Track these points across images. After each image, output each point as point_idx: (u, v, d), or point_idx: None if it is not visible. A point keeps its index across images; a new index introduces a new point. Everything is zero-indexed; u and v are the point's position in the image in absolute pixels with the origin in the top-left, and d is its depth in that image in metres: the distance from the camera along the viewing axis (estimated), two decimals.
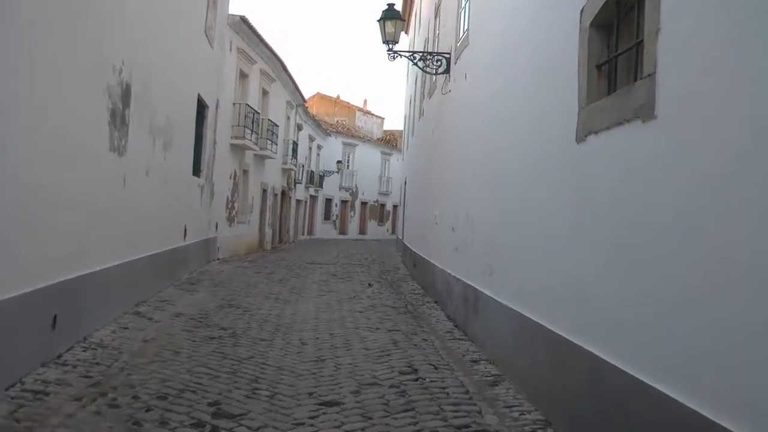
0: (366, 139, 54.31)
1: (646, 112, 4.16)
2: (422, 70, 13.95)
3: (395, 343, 8.63)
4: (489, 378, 7.03)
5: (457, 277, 10.73)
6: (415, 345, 8.56)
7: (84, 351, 7.11)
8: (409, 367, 7.28)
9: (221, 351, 7.63)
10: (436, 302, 12.88)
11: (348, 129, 53.04)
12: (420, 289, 15.42)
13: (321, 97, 56.24)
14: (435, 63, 13.37)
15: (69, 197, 6.99)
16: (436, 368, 7.27)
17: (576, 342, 5.10)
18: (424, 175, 17.81)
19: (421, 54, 13.92)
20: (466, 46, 11.48)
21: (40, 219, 6.27)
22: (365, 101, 64.75)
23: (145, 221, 10.58)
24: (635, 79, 4.58)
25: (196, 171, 16.09)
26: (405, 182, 28.59)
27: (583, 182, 5.25)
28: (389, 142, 57.94)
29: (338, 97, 59.48)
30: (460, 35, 12.34)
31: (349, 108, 58.56)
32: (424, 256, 16.03)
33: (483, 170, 9.31)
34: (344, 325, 9.88)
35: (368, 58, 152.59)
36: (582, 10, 5.43)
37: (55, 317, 6.60)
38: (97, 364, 6.69)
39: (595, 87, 5.25)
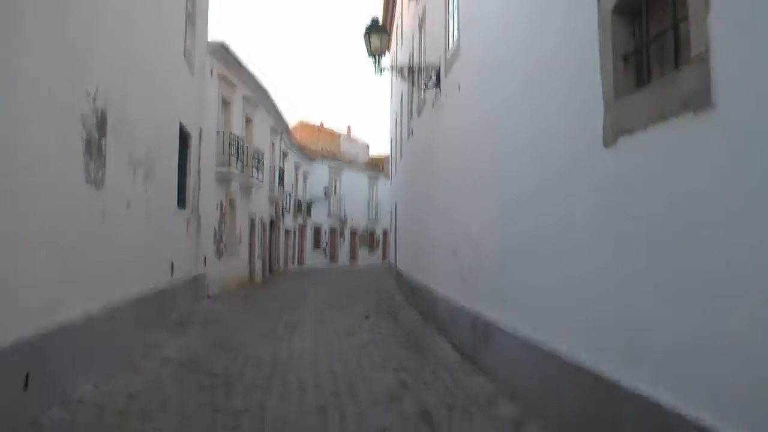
0: (352, 163, 53.71)
1: (699, 101, 3.54)
2: (411, 84, 13.34)
3: (403, 384, 7.92)
4: (511, 419, 6.32)
5: (462, 304, 10.06)
6: (425, 383, 7.87)
7: (62, 411, 6.38)
8: (423, 412, 6.57)
9: (213, 403, 6.92)
10: (438, 330, 12.18)
11: (333, 153, 52.48)
12: (419, 317, 14.72)
13: (304, 126, 55.63)
14: (425, 77, 12.78)
15: (39, 236, 6.29)
16: (451, 410, 6.57)
17: (624, 384, 4.40)
18: (417, 198, 17.16)
19: (408, 68, 13.32)
20: (457, 56, 10.90)
21: (3, 264, 5.56)
22: (349, 128, 64.23)
23: (128, 259, 9.86)
24: (676, 66, 3.96)
25: (181, 203, 15.39)
26: (395, 207, 27.95)
27: (617, 193, 4.60)
28: (376, 166, 57.42)
29: (321, 124, 58.96)
30: (450, 45, 11.77)
31: (333, 135, 58.03)
32: (422, 282, 15.34)
33: (486, 187, 8.67)
34: (346, 364, 9.18)
35: (349, 85, 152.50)
36: None
37: (27, 376, 5.87)
38: (76, 425, 5.96)
39: (623, 80, 4.62)
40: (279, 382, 7.93)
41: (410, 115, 19.08)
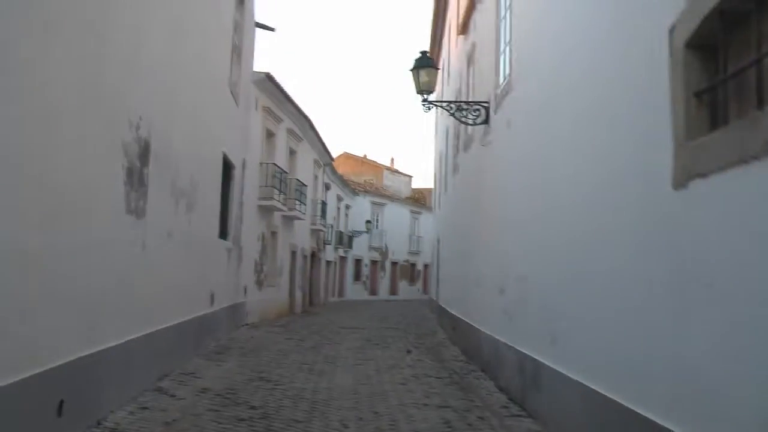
0: (394, 198, 53.74)
1: None
2: (459, 120, 13.17)
3: (448, 423, 7.62)
4: None
5: (509, 344, 9.75)
6: (470, 425, 7.56)
7: None
8: None
9: None
10: (483, 371, 11.85)
11: (376, 188, 52.53)
12: (462, 356, 14.39)
13: (347, 157, 55.83)
14: (473, 113, 12.58)
15: (79, 264, 6.19)
16: None
17: None
18: (461, 234, 16.90)
19: (457, 104, 13.14)
20: (508, 92, 10.68)
21: (43, 290, 5.45)
22: (392, 159, 64.38)
23: (169, 288, 9.77)
24: (759, 105, 3.69)
25: (223, 234, 15.34)
26: (438, 241, 27.70)
27: (685, 239, 4.28)
28: (418, 200, 57.42)
29: (365, 156, 59.13)
30: (500, 81, 11.57)
31: (376, 167, 58.13)
32: (465, 320, 15.03)
33: (536, 225, 8.39)
34: (387, 401, 8.91)
35: (394, 116, 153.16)
36: (672, 29, 4.54)
37: (61, 402, 5.73)
38: None
39: (695, 120, 4.32)
40: (320, 419, 7.68)
41: (456, 151, 18.89)
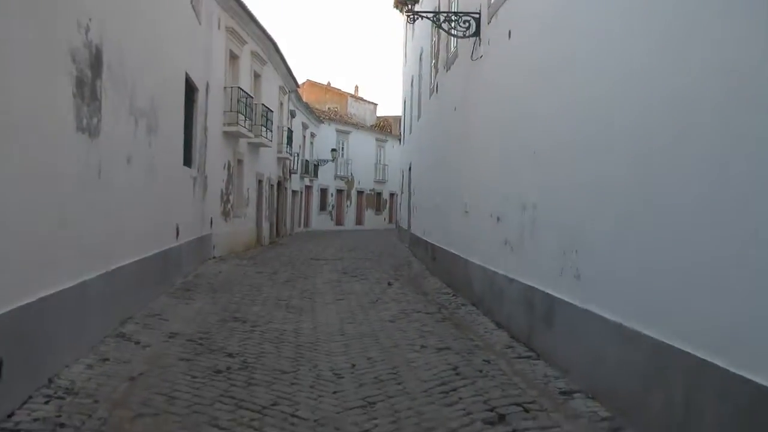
0: (360, 126, 52.51)
1: None
2: (447, 32, 11.99)
3: (455, 369, 6.70)
4: (602, 423, 5.13)
5: (511, 277, 8.84)
6: (480, 371, 6.65)
7: (46, 403, 5.18)
8: (491, 411, 5.36)
9: (232, 394, 5.70)
10: (474, 305, 10.98)
11: (341, 116, 51.27)
12: (446, 288, 13.52)
13: (311, 84, 54.15)
14: (462, 24, 11.42)
15: (18, 193, 5.05)
16: (526, 410, 5.37)
17: None
18: (441, 159, 15.86)
19: (445, 14, 11.95)
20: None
21: None
22: (356, 87, 62.90)
23: (129, 220, 8.65)
24: None
25: (187, 161, 14.14)
26: (409, 168, 26.66)
27: None
28: (383, 128, 56.27)
29: (329, 83, 57.68)
30: None
31: (341, 95, 56.73)
32: (448, 249, 14.10)
33: (554, 145, 7.38)
34: (380, 342, 7.98)
35: (358, 43, 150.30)
36: None
37: (0, 362, 4.67)
38: (63, 425, 4.77)
39: None
40: (308, 366, 6.71)
41: (435, 71, 17.69)
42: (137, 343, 7.38)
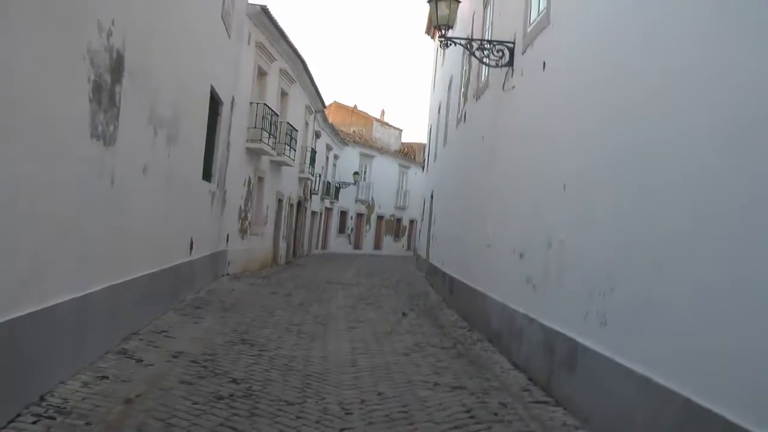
0: (384, 151, 52.30)
1: None
2: (480, 61, 11.72)
3: (469, 412, 6.33)
4: None
5: (531, 317, 8.47)
6: (495, 415, 6.28)
7: (35, 422, 4.87)
8: None
9: (233, 424, 5.35)
10: (490, 341, 10.61)
11: (366, 139, 51.06)
12: (462, 321, 13.16)
13: (338, 106, 54.06)
14: (495, 53, 11.13)
15: (24, 198, 4.79)
16: None
17: None
18: (466, 189, 15.53)
19: (479, 42, 11.67)
20: (544, 28, 9.26)
21: None
22: (382, 112, 62.73)
23: (142, 232, 8.40)
24: None
25: (207, 175, 13.91)
26: (431, 196, 26.34)
27: None
28: (407, 154, 56.02)
29: (355, 106, 57.47)
30: (531, 17, 10.13)
31: (366, 118, 56.54)
32: (466, 282, 13.74)
33: (586, 182, 7.04)
34: (392, 377, 7.61)
35: (385, 68, 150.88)
36: None
37: None
38: None
39: None
40: (315, 399, 6.35)
41: (464, 100, 17.40)
42: (139, 361, 7.08)
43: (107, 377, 6.23)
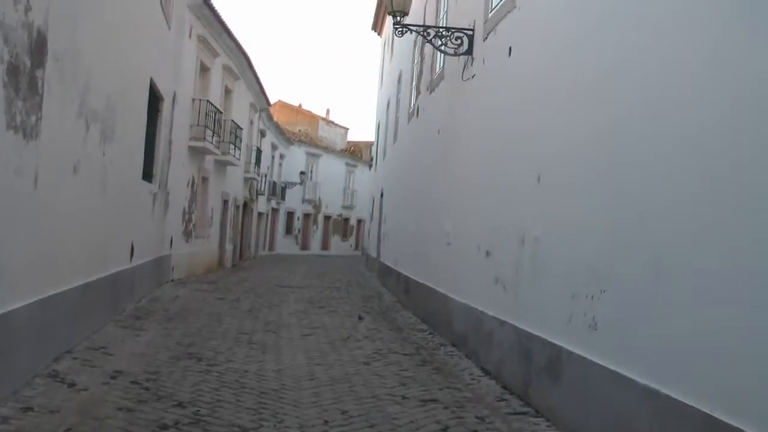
0: (330, 150, 51.58)
1: None
2: (437, 49, 11.08)
3: (445, 430, 5.69)
4: None
5: (503, 319, 7.87)
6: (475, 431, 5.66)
7: None
8: None
9: None
10: (454, 345, 10.00)
11: (312, 138, 50.30)
12: (421, 323, 12.54)
13: (283, 105, 53.11)
14: (453, 41, 10.51)
15: None
16: None
17: None
18: (421, 185, 14.90)
19: (436, 29, 11.03)
20: (508, 12, 8.66)
21: None
22: (328, 110, 62.13)
23: (74, 238, 7.56)
24: None
25: (147, 175, 13.03)
26: (381, 194, 25.68)
27: None
28: (354, 153, 55.37)
29: (300, 105, 56.64)
30: (493, 2, 9.53)
31: (312, 117, 55.77)
32: (423, 282, 13.11)
33: (569, 171, 6.44)
34: (355, 391, 6.91)
35: (330, 67, 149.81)
36: None
37: None
38: None
39: None
40: (273, 422, 5.62)
41: (416, 93, 16.77)
42: (72, 385, 6.23)
43: (32, 408, 5.38)
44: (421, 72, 16.13)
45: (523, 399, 6.93)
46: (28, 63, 5.50)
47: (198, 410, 5.78)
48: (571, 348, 5.92)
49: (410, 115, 17.88)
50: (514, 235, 7.76)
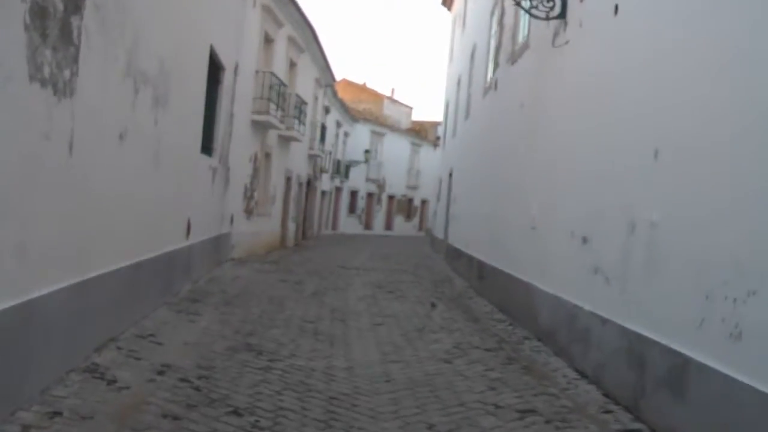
0: (395, 129, 50.49)
1: None
2: (528, 12, 9.93)
3: None
4: None
5: (605, 317, 6.81)
6: None
7: None
8: None
9: None
10: (539, 340, 8.98)
11: (376, 117, 49.23)
12: (498, 312, 11.50)
13: (347, 83, 52.12)
14: (545, 4, 9.40)
15: None
16: None
17: None
18: (498, 164, 13.80)
19: None
20: None
21: None
22: (392, 90, 60.90)
23: (120, 214, 6.73)
24: None
25: (207, 148, 12.22)
26: (450, 174, 24.62)
27: None
28: (419, 132, 54.19)
29: (365, 84, 55.64)
30: None
31: (377, 95, 54.71)
32: (504, 270, 12.02)
33: (697, 145, 5.33)
34: (439, 397, 5.95)
35: (394, 47, 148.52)
36: None
37: None
38: None
39: None
40: None
41: (494, 66, 15.62)
42: (111, 382, 5.38)
43: (60, 413, 4.53)
44: (500, 43, 14.98)
45: (632, 412, 5.88)
46: (60, 6, 4.61)
47: (257, 420, 4.89)
48: (702, 359, 4.84)
49: (486, 90, 16.74)
50: (620, 219, 6.68)
